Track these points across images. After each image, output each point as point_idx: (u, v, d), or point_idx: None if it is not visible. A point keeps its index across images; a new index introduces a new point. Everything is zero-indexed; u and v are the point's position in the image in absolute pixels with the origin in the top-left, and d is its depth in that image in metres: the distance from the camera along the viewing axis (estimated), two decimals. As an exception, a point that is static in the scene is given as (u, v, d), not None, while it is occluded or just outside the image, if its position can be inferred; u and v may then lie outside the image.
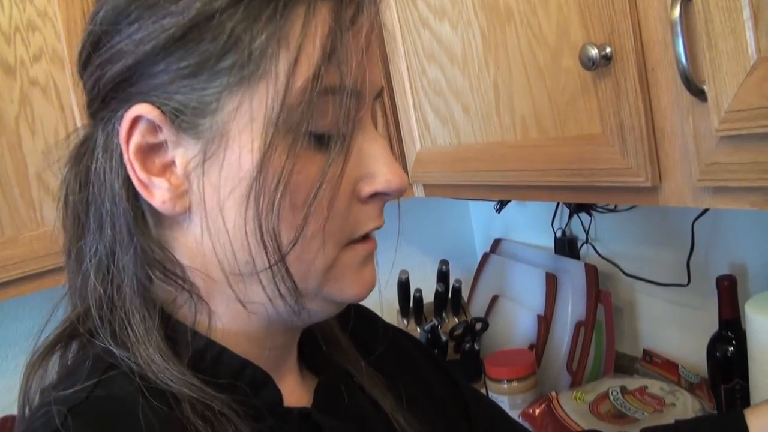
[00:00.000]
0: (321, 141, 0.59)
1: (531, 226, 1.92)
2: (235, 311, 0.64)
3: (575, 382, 1.59)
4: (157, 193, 0.60)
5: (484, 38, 1.13)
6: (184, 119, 0.58)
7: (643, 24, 0.84)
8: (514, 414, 1.44)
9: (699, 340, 1.33)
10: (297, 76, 0.57)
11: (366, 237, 0.66)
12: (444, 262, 1.75)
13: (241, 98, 0.58)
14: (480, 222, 2.16)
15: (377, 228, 0.66)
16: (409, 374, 0.85)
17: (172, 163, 0.60)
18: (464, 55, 1.19)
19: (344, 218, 0.62)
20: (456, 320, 1.78)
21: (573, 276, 1.65)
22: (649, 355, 1.56)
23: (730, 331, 1.26)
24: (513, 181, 1.15)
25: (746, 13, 0.69)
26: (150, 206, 0.62)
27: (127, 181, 0.61)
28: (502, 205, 1.91)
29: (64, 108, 1.27)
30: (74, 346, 0.64)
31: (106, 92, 0.61)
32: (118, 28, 0.59)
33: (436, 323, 1.70)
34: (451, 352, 1.71)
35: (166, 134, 0.60)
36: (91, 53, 0.62)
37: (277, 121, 0.57)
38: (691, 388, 1.41)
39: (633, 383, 1.44)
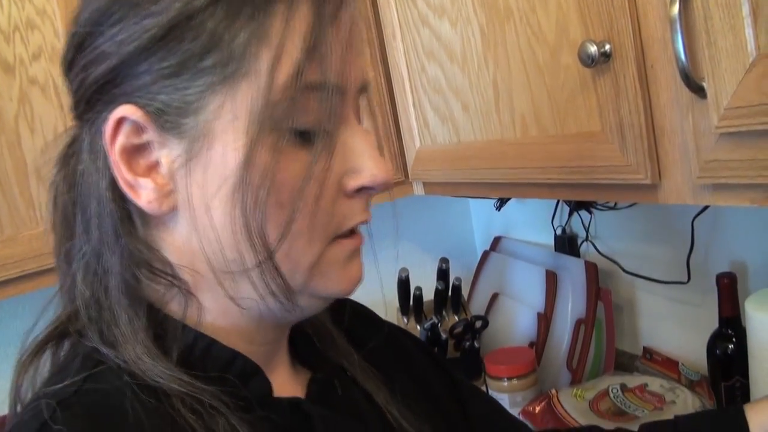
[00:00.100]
0: (305, 137, 0.59)
1: (531, 223, 1.91)
2: (225, 306, 0.64)
3: (575, 380, 1.59)
4: (143, 194, 0.61)
5: (483, 36, 1.13)
6: (167, 119, 0.59)
7: (643, 21, 0.83)
8: (515, 412, 1.44)
9: (699, 337, 1.33)
10: (279, 73, 0.58)
11: (352, 232, 0.66)
12: (444, 260, 1.75)
13: (224, 97, 0.58)
14: (480, 220, 2.16)
15: (363, 222, 0.66)
16: (406, 371, 0.85)
17: (158, 163, 0.61)
18: (464, 52, 1.19)
19: (330, 213, 0.62)
20: (456, 318, 1.78)
21: (573, 274, 1.65)
22: (649, 353, 1.56)
23: (730, 329, 1.26)
24: (512, 179, 1.15)
25: (745, 10, 0.68)
26: (137, 207, 0.62)
27: (113, 182, 0.62)
28: (502, 202, 1.91)
29: (64, 106, 1.27)
30: (66, 344, 0.65)
31: (91, 94, 0.61)
32: (101, 29, 0.59)
33: (436, 321, 1.70)
34: (451, 350, 1.71)
35: (150, 135, 0.60)
36: (76, 55, 0.62)
37: (260, 119, 0.58)
38: (692, 385, 1.41)
39: (633, 381, 1.44)
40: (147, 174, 0.61)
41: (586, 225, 1.70)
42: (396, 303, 1.81)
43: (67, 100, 0.66)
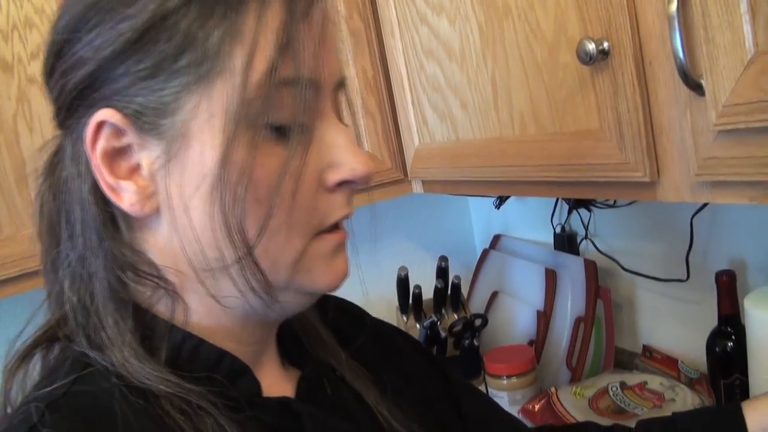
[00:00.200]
0: (281, 133, 0.60)
1: (530, 222, 1.91)
2: (210, 306, 0.64)
3: (575, 378, 1.59)
4: (125, 196, 0.61)
5: (481, 33, 1.12)
6: (145, 121, 0.59)
7: (641, 18, 0.83)
8: (514, 410, 1.44)
9: (698, 335, 1.33)
10: (253, 71, 0.58)
11: (336, 226, 0.66)
12: (443, 258, 1.75)
13: (200, 96, 0.58)
14: (479, 218, 2.16)
15: (346, 217, 0.66)
16: (396, 369, 0.85)
17: (138, 165, 0.61)
18: (462, 50, 1.19)
19: (311, 208, 0.63)
20: (455, 316, 1.78)
21: (572, 272, 1.65)
22: (648, 351, 1.56)
23: (730, 327, 1.26)
24: (511, 177, 1.14)
25: (743, 6, 0.68)
26: (120, 210, 0.63)
27: (95, 186, 0.62)
28: (501, 201, 1.91)
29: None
30: (56, 348, 0.65)
31: (71, 100, 0.62)
32: (78, 35, 0.60)
33: (436, 320, 1.70)
34: (450, 348, 1.71)
35: (130, 137, 0.60)
36: (55, 63, 0.63)
37: (236, 116, 0.58)
38: (691, 383, 1.41)
39: (632, 379, 1.44)
40: (129, 177, 0.61)
41: (586, 223, 1.70)
42: (395, 301, 1.81)
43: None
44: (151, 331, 0.62)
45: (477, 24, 1.13)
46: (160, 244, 0.63)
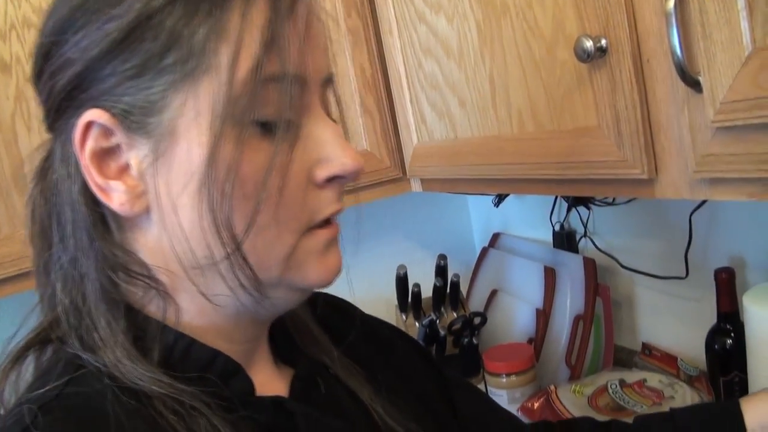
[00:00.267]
0: (268, 129, 0.60)
1: (529, 220, 1.91)
2: (201, 305, 0.64)
3: (574, 376, 1.59)
4: (115, 196, 0.61)
5: (479, 31, 1.12)
6: (133, 120, 0.59)
7: (638, 15, 0.83)
8: (513, 408, 1.44)
9: (698, 332, 1.33)
10: (239, 68, 0.58)
11: (328, 222, 0.66)
12: (442, 257, 1.75)
13: (186, 94, 0.59)
14: (479, 217, 2.16)
15: (337, 212, 0.66)
16: (391, 367, 0.85)
17: (128, 165, 0.61)
18: (460, 48, 1.19)
19: (301, 204, 0.63)
20: (455, 315, 1.78)
21: (571, 270, 1.65)
22: (648, 349, 1.56)
23: (729, 324, 1.26)
24: (509, 175, 1.14)
25: (741, 2, 0.68)
26: (110, 210, 0.63)
27: (85, 186, 0.62)
28: (500, 199, 1.91)
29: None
30: (49, 350, 0.65)
31: (59, 102, 0.62)
32: (66, 37, 0.60)
33: (435, 318, 1.70)
34: (450, 346, 1.71)
35: (118, 137, 0.60)
36: (43, 65, 0.63)
37: (222, 114, 0.58)
38: (690, 380, 1.41)
39: (632, 376, 1.44)
40: (118, 177, 0.61)
41: (585, 221, 1.70)
42: (395, 300, 1.81)
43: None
44: (143, 332, 0.63)
45: (475, 22, 1.13)
46: (151, 244, 0.63)
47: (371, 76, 1.47)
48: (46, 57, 0.62)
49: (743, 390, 1.24)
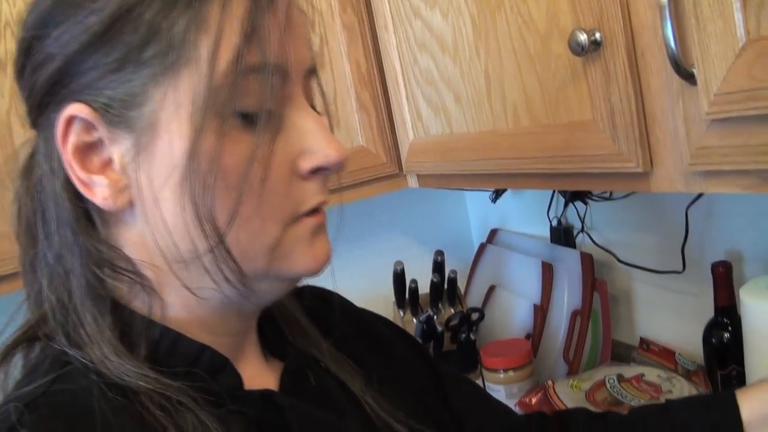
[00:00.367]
0: (249, 120, 0.60)
1: (527, 215, 1.91)
2: (187, 299, 0.64)
3: (572, 371, 1.59)
4: (98, 191, 0.61)
5: (474, 26, 1.12)
6: (114, 114, 0.59)
7: (632, 8, 0.83)
8: (511, 403, 1.44)
9: (695, 327, 1.32)
10: (219, 59, 0.58)
11: (315, 210, 0.65)
12: (439, 253, 1.75)
13: (167, 87, 0.58)
14: (476, 213, 2.16)
15: (322, 203, 0.66)
16: (383, 359, 0.85)
17: (110, 159, 0.61)
18: (455, 43, 1.18)
19: (284, 196, 0.62)
20: (452, 311, 1.78)
21: (569, 265, 1.65)
22: (645, 343, 1.56)
23: (726, 318, 1.26)
24: (505, 170, 1.14)
25: (734, -6, 0.68)
26: (95, 206, 0.62)
27: (68, 182, 0.62)
28: (497, 195, 1.91)
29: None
30: (37, 348, 0.65)
31: (42, 97, 0.62)
32: (47, 32, 0.60)
33: (432, 314, 1.70)
34: (447, 342, 1.71)
35: (100, 131, 0.60)
36: (25, 61, 0.63)
37: (203, 105, 0.58)
38: (688, 375, 1.41)
39: (630, 371, 1.43)
40: (101, 171, 0.61)
41: (582, 216, 1.70)
42: (393, 297, 1.81)
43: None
44: (129, 327, 0.62)
45: (470, 16, 1.12)
46: (135, 239, 0.63)
47: (367, 72, 1.47)
48: (27, 52, 0.62)
49: (741, 383, 1.23)
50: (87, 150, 0.61)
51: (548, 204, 1.78)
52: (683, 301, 1.49)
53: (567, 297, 1.62)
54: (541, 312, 1.67)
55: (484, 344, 1.63)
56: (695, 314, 1.38)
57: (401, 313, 1.80)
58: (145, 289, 0.63)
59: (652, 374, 1.40)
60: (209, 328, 0.66)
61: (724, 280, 1.25)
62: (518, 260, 1.82)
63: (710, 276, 1.26)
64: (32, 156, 0.67)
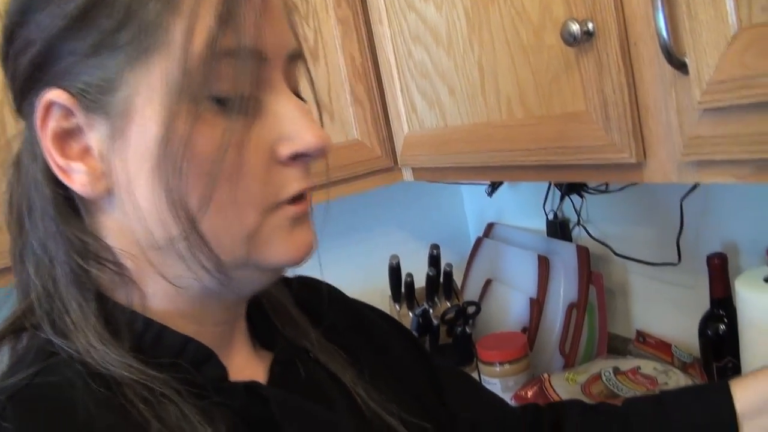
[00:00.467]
0: (225, 105, 0.59)
1: (523, 209, 1.91)
2: (167, 289, 0.63)
3: (568, 365, 1.59)
4: (76, 177, 0.61)
5: (468, 18, 1.12)
6: (91, 99, 0.59)
7: (625, -2, 0.83)
8: (507, 396, 1.44)
9: (692, 319, 1.32)
10: (193, 43, 0.57)
11: (299, 198, 0.64)
12: (435, 246, 1.75)
13: (142, 71, 0.58)
14: (473, 207, 2.15)
15: (303, 190, 0.64)
16: (376, 351, 0.85)
17: (89, 145, 0.61)
18: (449, 35, 1.18)
19: (263, 182, 0.61)
20: (448, 304, 1.78)
21: (565, 258, 1.65)
22: (642, 336, 1.56)
23: (722, 310, 1.26)
24: (499, 162, 1.14)
25: (726, -19, 0.68)
26: (78, 194, 0.62)
27: (48, 168, 0.62)
28: (493, 188, 1.91)
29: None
30: (24, 338, 0.64)
31: (23, 83, 0.62)
32: (27, 18, 0.60)
33: (427, 307, 1.70)
34: (443, 336, 1.71)
35: (78, 118, 0.60)
36: (7, 48, 0.62)
37: (177, 90, 0.57)
38: (684, 367, 1.41)
39: (626, 364, 1.43)
40: (81, 158, 0.61)
41: (578, 209, 1.70)
42: (389, 291, 1.81)
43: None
44: (113, 318, 0.62)
45: (463, 9, 1.12)
46: (115, 227, 0.63)
47: (361, 66, 1.47)
48: (9, 39, 0.62)
49: (737, 375, 1.23)
50: (66, 136, 0.60)
51: (544, 197, 1.78)
52: (679, 294, 1.49)
53: (563, 290, 1.62)
54: (537, 305, 1.66)
55: (480, 338, 1.63)
56: (692, 306, 1.38)
57: (397, 307, 1.80)
58: (125, 279, 0.63)
59: (648, 367, 1.40)
60: (193, 318, 0.66)
61: (720, 272, 1.25)
62: (514, 254, 1.81)
63: (706, 268, 1.26)
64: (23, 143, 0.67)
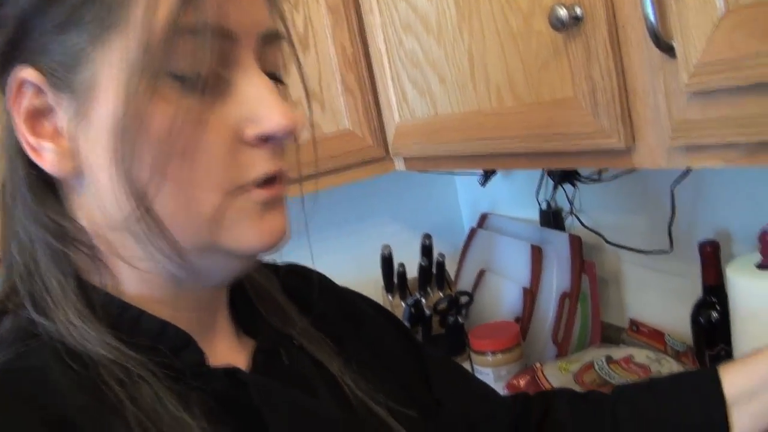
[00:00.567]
0: (184, 83, 0.58)
1: (516, 199, 1.91)
2: (139, 273, 0.63)
3: (561, 354, 1.59)
4: (47, 156, 0.60)
5: (458, 7, 1.11)
6: (58, 77, 0.58)
7: (613, -19, 0.82)
8: (499, 386, 1.44)
9: (684, 307, 1.32)
10: (154, 20, 0.56)
11: (270, 182, 0.63)
12: (427, 236, 1.75)
13: (105, 49, 0.57)
14: (467, 197, 2.15)
15: (272, 173, 0.62)
16: (365, 340, 0.84)
17: (59, 124, 0.60)
18: (439, 24, 1.18)
19: (225, 163, 0.60)
20: (440, 294, 1.77)
21: (558, 247, 1.65)
22: (635, 325, 1.56)
23: (714, 297, 1.26)
24: (491, 150, 1.13)
25: (713, -37, 0.67)
26: (50, 173, 0.62)
27: (22, 148, 0.61)
28: (486, 178, 1.90)
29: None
30: (8, 322, 0.63)
31: (1, 61, 0.61)
32: None
33: (420, 297, 1.70)
34: (436, 326, 1.71)
35: (48, 96, 0.59)
36: None
37: (138, 68, 0.57)
38: (678, 355, 1.41)
39: (619, 353, 1.43)
40: (52, 137, 0.60)
41: (571, 198, 1.69)
42: (382, 281, 1.81)
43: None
44: (91, 300, 0.61)
45: (453, -4, 1.12)
46: (86, 208, 0.62)
47: (352, 55, 1.46)
48: None
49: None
50: (39, 115, 0.60)
51: (537, 187, 1.77)
52: (672, 282, 1.49)
53: (556, 279, 1.62)
54: (530, 295, 1.66)
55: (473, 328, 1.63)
56: (684, 294, 1.37)
57: (390, 297, 1.80)
58: (97, 262, 0.62)
59: (641, 355, 1.40)
60: (168, 302, 0.65)
61: (712, 259, 1.24)
62: (508, 244, 1.81)
63: (698, 255, 1.26)
64: None
